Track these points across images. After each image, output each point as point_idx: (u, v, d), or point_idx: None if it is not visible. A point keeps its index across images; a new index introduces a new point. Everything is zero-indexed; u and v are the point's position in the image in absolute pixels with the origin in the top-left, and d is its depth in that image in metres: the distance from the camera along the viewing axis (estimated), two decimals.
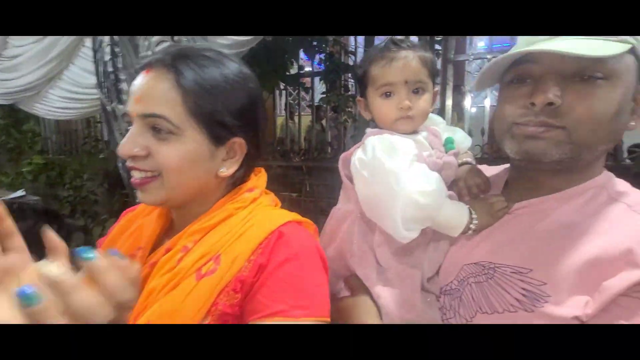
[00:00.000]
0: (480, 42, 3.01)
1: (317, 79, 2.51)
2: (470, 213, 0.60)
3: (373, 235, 0.64)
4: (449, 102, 2.29)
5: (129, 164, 0.48)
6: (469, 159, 0.69)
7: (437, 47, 2.18)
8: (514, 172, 0.64)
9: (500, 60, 0.55)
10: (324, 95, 2.33)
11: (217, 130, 0.48)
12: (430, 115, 0.71)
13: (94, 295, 0.25)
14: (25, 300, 0.23)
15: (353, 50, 2.50)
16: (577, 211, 0.53)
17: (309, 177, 2.32)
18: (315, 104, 2.53)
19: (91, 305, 0.25)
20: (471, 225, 0.59)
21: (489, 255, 0.57)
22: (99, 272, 0.26)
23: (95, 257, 0.26)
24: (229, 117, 0.49)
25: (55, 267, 0.25)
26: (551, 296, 0.48)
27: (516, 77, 0.54)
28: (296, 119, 2.72)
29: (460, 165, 0.69)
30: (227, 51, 1.31)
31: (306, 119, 2.91)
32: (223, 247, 0.47)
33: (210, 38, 1.31)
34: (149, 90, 0.46)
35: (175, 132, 0.46)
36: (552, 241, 0.51)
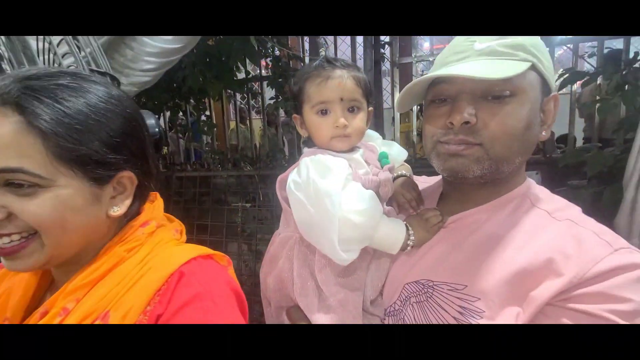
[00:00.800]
0: (426, 44, 3.13)
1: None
2: (407, 229, 0.60)
3: (314, 260, 0.61)
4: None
5: None
6: (404, 172, 0.71)
7: (382, 50, 2.21)
8: (446, 185, 0.67)
9: (414, 84, 0.57)
10: (272, 101, 2.27)
11: (96, 170, 0.42)
12: (367, 131, 0.71)
13: None
14: None
15: (300, 55, 2.46)
16: (504, 222, 0.56)
17: (263, 186, 2.25)
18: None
19: None
20: (409, 242, 0.60)
21: (427, 272, 0.58)
22: None
23: None
24: (109, 152, 0.42)
25: None
26: (485, 311, 0.49)
27: (435, 97, 0.57)
28: (247, 125, 2.62)
29: (395, 178, 0.70)
30: (155, 60, 1.18)
31: (259, 125, 2.82)
32: (112, 301, 0.41)
33: (135, 45, 1.19)
34: None
35: (42, 184, 0.39)
36: (483, 255, 0.53)
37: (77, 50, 0.68)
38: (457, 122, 0.52)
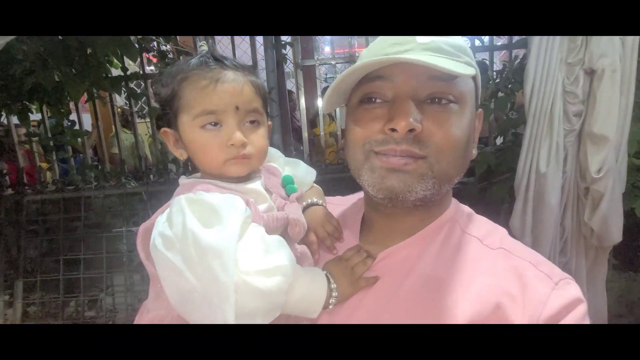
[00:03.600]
0: (327, 48, 3.14)
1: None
2: (329, 282, 0.46)
3: None
4: (302, 106, 2.24)
5: None
6: (315, 199, 0.56)
7: (284, 51, 2.09)
8: (368, 209, 0.54)
9: (349, 75, 0.45)
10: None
11: None
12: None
13: None
14: None
15: (190, 51, 2.17)
16: (437, 257, 0.47)
17: (152, 204, 1.89)
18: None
19: None
20: (331, 300, 0.46)
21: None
22: None
23: None
24: None
25: None
26: None
27: (367, 95, 0.45)
28: (131, 130, 2.19)
29: (305, 208, 0.55)
30: None
31: (144, 131, 2.40)
32: None
33: None
34: None
35: None
36: (423, 304, 0.44)
37: None
38: (402, 128, 0.42)
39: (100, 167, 2.06)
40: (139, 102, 2.11)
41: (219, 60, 0.49)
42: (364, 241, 0.53)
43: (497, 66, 2.06)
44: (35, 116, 2.00)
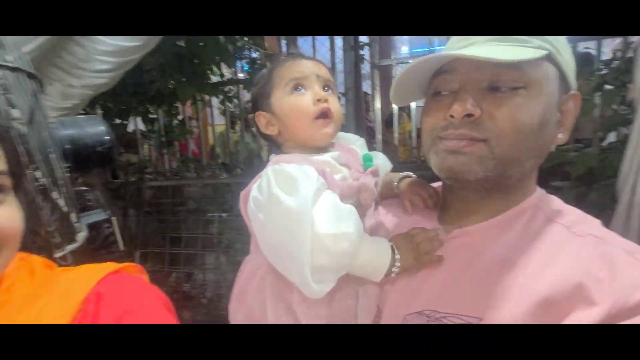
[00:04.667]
0: (404, 47, 3.11)
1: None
2: (394, 252, 0.51)
3: (290, 293, 0.52)
4: (378, 105, 2.28)
5: None
6: (409, 173, 0.63)
7: (362, 52, 2.16)
8: (446, 192, 0.58)
9: (409, 72, 0.50)
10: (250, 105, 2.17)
11: (18, 177, 0.41)
12: (346, 135, 0.65)
13: None
14: None
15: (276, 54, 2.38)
16: (517, 240, 0.48)
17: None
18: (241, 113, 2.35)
19: None
20: (393, 269, 0.50)
21: (432, 301, 0.49)
22: None
23: None
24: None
25: None
26: None
27: (436, 89, 0.51)
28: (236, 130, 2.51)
29: (400, 180, 0.63)
30: (111, 59, 1.07)
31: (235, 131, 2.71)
32: None
33: (87, 43, 1.07)
34: None
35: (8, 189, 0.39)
36: (497, 281, 0.45)
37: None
38: (458, 113, 0.46)
39: (199, 160, 2.40)
40: (231, 104, 2.39)
41: (299, 54, 0.62)
42: (442, 221, 0.56)
43: (608, 56, 1.80)
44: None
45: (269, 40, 2.41)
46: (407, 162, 2.09)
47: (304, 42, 2.41)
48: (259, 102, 0.62)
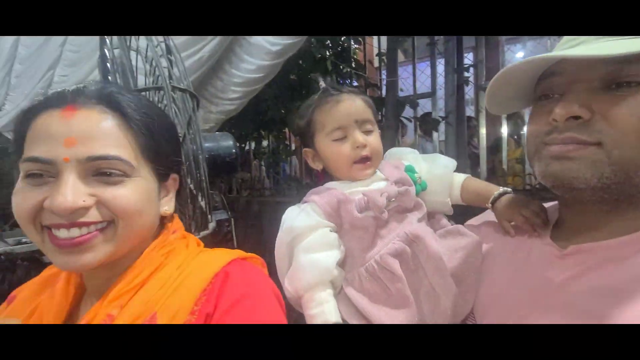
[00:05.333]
0: None
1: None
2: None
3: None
4: (483, 131, 2.12)
5: (58, 221, 0.39)
6: (503, 188, 0.60)
7: (466, 74, 2.08)
8: (562, 206, 0.53)
9: (512, 74, 0.47)
10: None
11: (163, 166, 0.47)
12: (400, 149, 0.69)
13: None
14: None
15: (377, 83, 2.47)
16: None
17: None
18: None
19: None
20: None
21: (532, 318, 0.45)
22: None
23: None
24: (171, 152, 0.48)
25: None
26: None
27: (543, 92, 0.48)
28: None
29: (495, 198, 0.59)
30: (240, 89, 1.29)
31: None
32: (157, 304, 0.41)
33: (225, 77, 1.33)
34: (90, 130, 0.41)
35: (130, 174, 0.42)
36: (613, 310, 0.39)
37: (171, 65, 0.78)
38: (561, 116, 0.43)
39: (299, 180, 2.61)
40: None
41: (335, 88, 0.64)
42: (555, 237, 0.50)
43: None
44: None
45: (369, 69, 2.53)
46: (519, 190, 1.86)
47: (403, 71, 2.45)
48: (305, 139, 0.67)
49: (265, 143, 2.78)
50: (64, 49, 1.56)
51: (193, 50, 1.20)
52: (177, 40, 1.22)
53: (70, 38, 1.52)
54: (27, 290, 0.50)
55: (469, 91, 2.38)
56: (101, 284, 0.44)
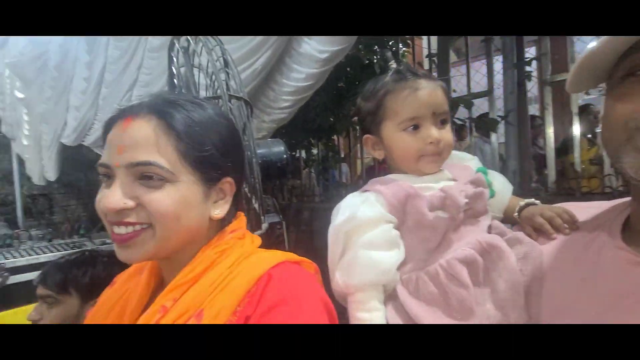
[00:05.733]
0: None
1: None
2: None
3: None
4: (549, 130, 1.94)
5: (111, 219, 0.44)
6: (534, 200, 0.59)
7: (529, 68, 1.92)
8: (636, 204, 0.46)
9: (602, 49, 0.42)
10: None
11: (210, 171, 0.47)
12: (459, 153, 0.64)
13: None
14: None
15: None
16: None
17: None
18: None
19: None
20: None
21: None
22: None
23: None
24: (220, 157, 0.48)
25: None
26: None
27: (633, 69, 0.41)
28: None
29: (522, 207, 0.58)
30: (290, 98, 1.35)
31: None
32: (206, 300, 0.43)
33: (276, 87, 1.40)
34: (135, 138, 0.44)
35: (169, 179, 0.44)
36: None
37: (229, 78, 0.85)
38: None
39: (348, 186, 2.61)
40: None
41: (413, 72, 0.58)
42: (629, 242, 0.44)
43: None
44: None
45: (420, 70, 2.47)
46: (597, 193, 1.66)
47: (455, 72, 2.34)
48: (368, 125, 0.61)
49: (315, 151, 2.84)
50: (139, 72, 1.77)
51: (248, 64, 1.29)
52: (234, 55, 1.32)
53: (146, 62, 1.72)
54: (124, 276, 0.56)
55: (532, 88, 2.19)
56: (167, 277, 0.49)
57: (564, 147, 2.06)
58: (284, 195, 2.86)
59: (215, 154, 0.47)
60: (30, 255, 1.57)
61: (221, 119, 0.50)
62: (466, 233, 0.54)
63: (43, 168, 2.70)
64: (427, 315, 0.50)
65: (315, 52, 1.25)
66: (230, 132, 0.51)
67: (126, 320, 0.48)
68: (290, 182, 2.88)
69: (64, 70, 2.12)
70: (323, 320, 0.44)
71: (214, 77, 0.87)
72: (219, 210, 0.49)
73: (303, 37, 1.25)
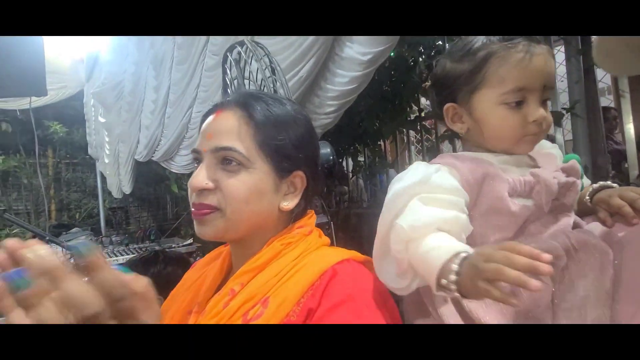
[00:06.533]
0: None
1: None
2: (454, 262, 0.38)
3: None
4: (628, 120, 1.71)
5: (195, 199, 0.49)
6: (609, 183, 0.51)
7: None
8: None
9: None
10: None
11: (282, 162, 0.50)
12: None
13: (87, 285, 0.24)
14: (14, 283, 0.23)
15: None
16: None
17: None
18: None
19: (83, 294, 0.24)
20: (444, 281, 0.39)
21: None
22: (92, 268, 0.25)
23: (89, 251, 0.25)
24: (293, 150, 0.50)
25: (46, 252, 0.24)
26: None
27: None
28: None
29: (596, 190, 0.51)
30: (335, 102, 1.38)
31: None
32: (272, 289, 0.45)
33: (320, 93, 1.44)
34: (221, 126, 0.49)
35: (245, 164, 0.48)
36: None
37: (276, 84, 0.90)
38: None
39: None
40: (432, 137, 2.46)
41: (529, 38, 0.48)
42: None
43: None
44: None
45: None
46: None
47: None
48: (452, 90, 0.53)
49: (361, 158, 2.84)
50: (198, 90, 1.94)
51: (293, 73, 1.35)
52: (282, 64, 1.40)
53: (203, 81, 1.89)
54: (205, 260, 0.62)
55: (604, 78, 1.96)
56: (239, 262, 0.52)
57: None
58: (332, 202, 2.89)
59: (288, 146, 0.50)
60: (110, 257, 1.78)
61: (298, 114, 0.53)
62: (548, 226, 0.48)
63: (120, 183, 3.06)
64: (490, 312, 0.45)
65: (358, 54, 1.27)
66: (305, 127, 0.53)
67: (200, 299, 0.52)
68: (337, 190, 2.90)
69: (137, 95, 2.41)
70: (385, 318, 0.44)
71: (263, 84, 0.93)
72: (288, 202, 0.51)
73: (345, 41, 1.28)
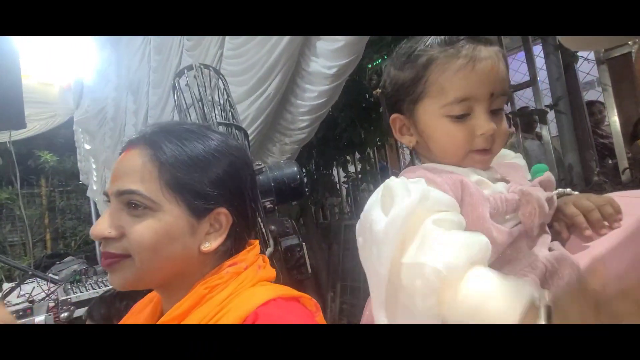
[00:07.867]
0: None
1: None
2: (542, 315, 0.31)
3: None
4: (613, 114, 1.67)
5: (102, 247, 0.46)
6: (567, 189, 0.47)
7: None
8: None
9: None
10: None
11: (197, 202, 0.46)
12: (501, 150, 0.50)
13: None
14: None
15: None
16: None
17: None
18: None
19: None
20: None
21: None
22: None
23: None
24: (211, 188, 0.46)
25: None
26: None
27: None
28: None
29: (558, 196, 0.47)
30: (307, 117, 1.34)
31: None
32: None
33: (292, 109, 1.41)
34: (125, 167, 0.46)
35: (152, 208, 0.44)
36: None
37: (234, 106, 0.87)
38: None
39: None
40: None
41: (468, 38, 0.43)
42: None
43: None
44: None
45: None
46: None
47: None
48: (396, 101, 0.48)
49: (352, 168, 2.80)
50: (174, 113, 1.92)
51: (261, 91, 1.33)
52: (245, 86, 1.38)
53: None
54: (137, 306, 0.58)
55: (592, 70, 1.93)
56: (167, 310, 0.47)
57: (635, 133, 1.76)
58: (325, 216, 2.84)
59: (204, 184, 0.46)
60: (94, 289, 1.73)
61: (220, 148, 0.48)
62: (525, 248, 0.42)
63: None
64: None
65: (324, 68, 1.24)
66: (228, 162, 0.48)
67: None
68: (329, 201, 2.86)
69: (118, 120, 2.40)
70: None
71: (202, 105, 0.90)
72: (210, 243, 0.47)
73: (310, 56, 1.26)
